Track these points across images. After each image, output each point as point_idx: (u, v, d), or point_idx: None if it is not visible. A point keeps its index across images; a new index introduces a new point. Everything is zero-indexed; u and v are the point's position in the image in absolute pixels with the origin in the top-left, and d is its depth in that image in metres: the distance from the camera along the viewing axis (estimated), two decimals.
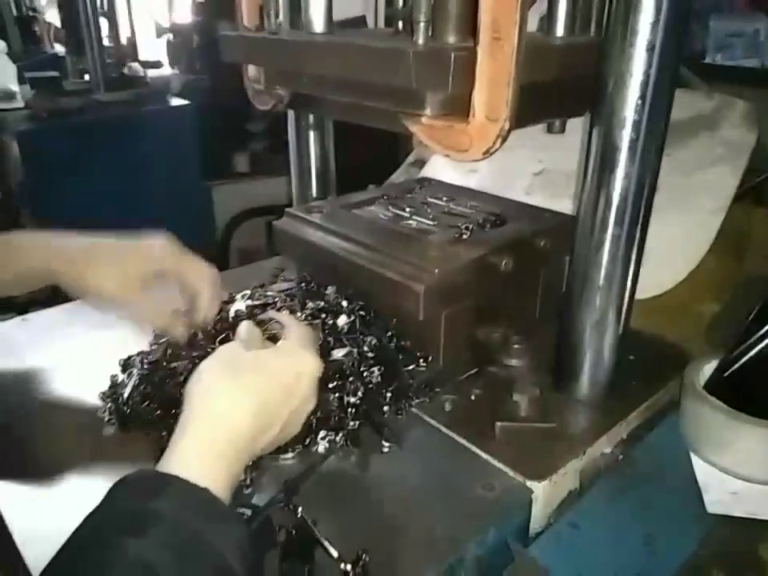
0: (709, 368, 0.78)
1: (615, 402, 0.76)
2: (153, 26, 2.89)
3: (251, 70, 0.88)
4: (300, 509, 0.57)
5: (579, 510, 0.64)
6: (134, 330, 0.85)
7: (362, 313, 0.82)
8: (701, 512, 0.69)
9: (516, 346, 0.78)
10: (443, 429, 0.72)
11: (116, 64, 2.57)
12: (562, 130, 0.84)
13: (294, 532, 0.54)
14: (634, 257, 0.70)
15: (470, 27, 0.62)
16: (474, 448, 0.69)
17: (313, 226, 0.92)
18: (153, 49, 3.15)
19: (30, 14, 4.13)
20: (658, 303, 0.98)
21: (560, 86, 0.71)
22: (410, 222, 0.93)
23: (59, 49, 3.36)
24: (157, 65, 3.04)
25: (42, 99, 2.46)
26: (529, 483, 0.64)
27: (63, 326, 0.94)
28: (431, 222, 0.92)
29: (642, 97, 0.62)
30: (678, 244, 1.02)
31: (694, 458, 0.73)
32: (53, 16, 3.98)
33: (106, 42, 2.69)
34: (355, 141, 1.36)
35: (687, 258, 1.02)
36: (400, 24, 0.81)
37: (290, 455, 0.67)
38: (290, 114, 1.03)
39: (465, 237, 0.85)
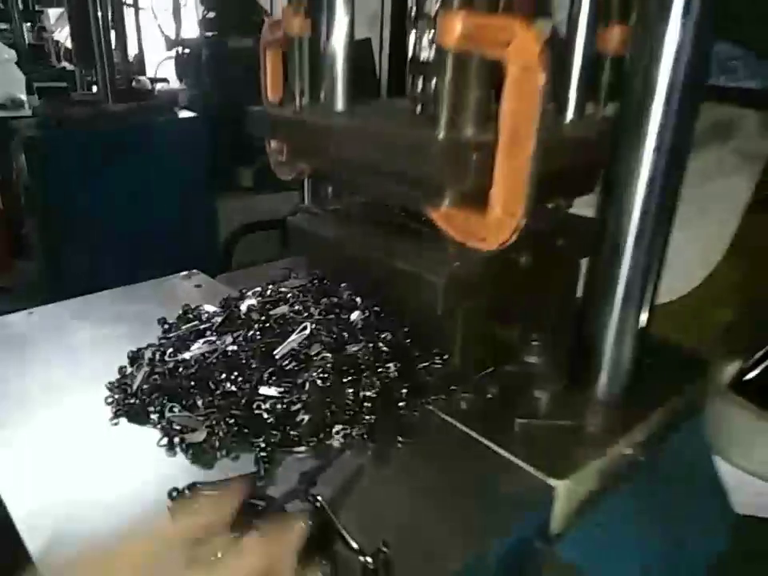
0: (732, 370, 0.76)
1: (635, 403, 0.74)
2: (162, 39, 2.92)
3: (273, 142, 0.88)
4: (320, 497, 0.55)
5: (606, 510, 0.62)
6: (144, 324, 0.85)
7: (376, 309, 0.80)
8: (729, 513, 0.67)
9: (535, 343, 0.76)
10: (460, 425, 0.70)
11: (125, 78, 2.59)
12: (569, 207, 0.85)
13: (311, 522, 0.52)
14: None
15: (487, 114, 0.64)
16: (492, 445, 0.67)
17: (329, 220, 0.91)
18: (160, 67, 3.21)
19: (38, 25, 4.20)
20: (672, 309, 0.97)
21: (571, 171, 0.72)
22: None
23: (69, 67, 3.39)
24: (164, 81, 3.08)
25: (49, 108, 2.47)
26: (550, 481, 0.62)
27: (70, 320, 0.92)
28: None
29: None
30: (691, 250, 1.01)
31: (720, 462, 0.71)
32: (61, 35, 4.04)
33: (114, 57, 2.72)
34: None
35: (701, 263, 1.02)
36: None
37: (303, 449, 0.64)
38: None
39: None
